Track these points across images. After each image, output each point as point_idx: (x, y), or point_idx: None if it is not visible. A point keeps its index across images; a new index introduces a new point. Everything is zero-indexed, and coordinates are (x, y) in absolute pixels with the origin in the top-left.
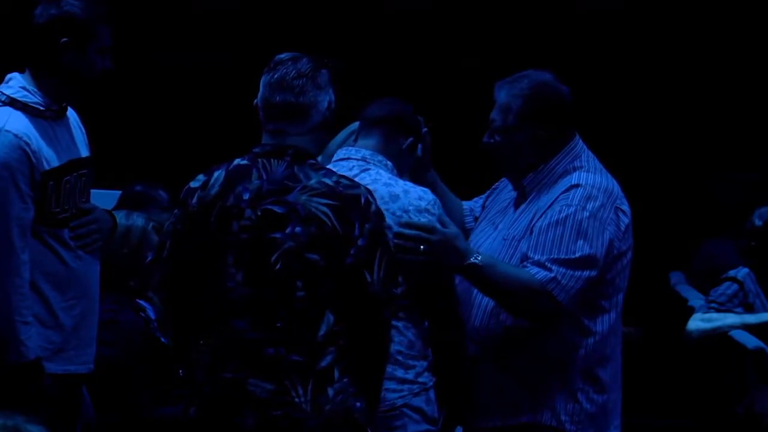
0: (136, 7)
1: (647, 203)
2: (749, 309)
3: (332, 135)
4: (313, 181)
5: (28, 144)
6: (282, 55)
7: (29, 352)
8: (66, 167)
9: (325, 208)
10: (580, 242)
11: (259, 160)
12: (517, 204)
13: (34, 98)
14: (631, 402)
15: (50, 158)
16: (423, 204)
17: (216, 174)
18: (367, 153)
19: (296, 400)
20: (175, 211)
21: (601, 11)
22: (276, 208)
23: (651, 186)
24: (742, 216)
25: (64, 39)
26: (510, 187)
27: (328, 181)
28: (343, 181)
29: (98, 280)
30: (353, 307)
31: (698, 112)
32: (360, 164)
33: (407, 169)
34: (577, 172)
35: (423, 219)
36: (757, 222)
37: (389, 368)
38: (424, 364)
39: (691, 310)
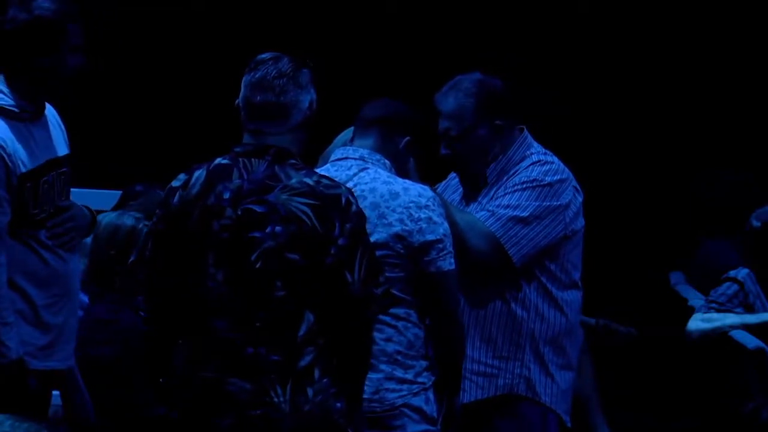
0: (139, 8)
1: (643, 203)
2: (749, 309)
3: (328, 135)
4: (293, 181)
5: (3, 148)
6: (263, 55)
7: (11, 352)
8: (44, 167)
9: (305, 208)
10: (528, 197)
11: (240, 159)
12: (474, 194)
13: (8, 100)
14: (631, 402)
15: (26, 160)
16: (423, 201)
17: (197, 173)
18: (365, 152)
19: (275, 400)
20: (157, 210)
21: (586, 14)
22: (256, 208)
23: (644, 185)
24: (732, 214)
25: (36, 42)
26: (452, 188)
27: (308, 180)
28: (323, 180)
29: (78, 276)
30: (333, 307)
31: (684, 110)
32: (358, 163)
33: (405, 167)
34: (535, 155)
35: (424, 215)
36: (755, 223)
37: (388, 368)
38: (424, 364)
39: (691, 310)
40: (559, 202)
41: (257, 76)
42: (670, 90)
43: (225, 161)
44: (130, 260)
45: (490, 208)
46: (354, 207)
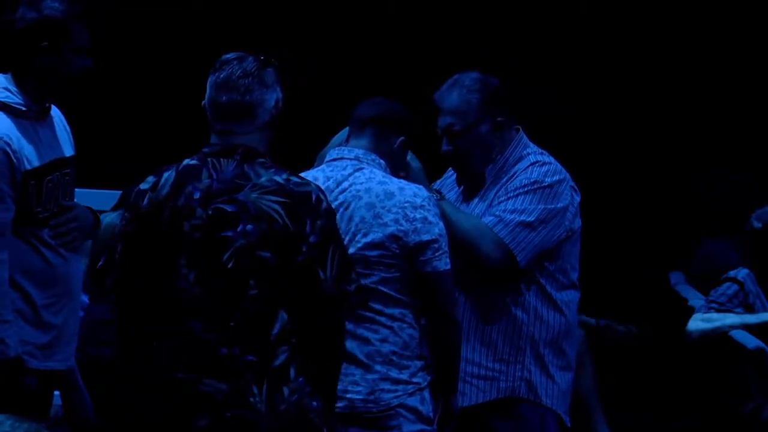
0: (139, 8)
1: (643, 203)
2: (749, 309)
3: (327, 135)
4: (263, 179)
5: (8, 144)
6: (227, 55)
7: (9, 350)
8: (48, 167)
9: (276, 206)
10: (532, 200)
11: (209, 159)
12: (471, 193)
13: (16, 99)
14: (632, 402)
15: (32, 158)
16: (418, 201)
17: (166, 175)
18: (359, 152)
19: (251, 400)
20: (125, 213)
21: (586, 14)
22: (227, 207)
23: (644, 185)
24: (732, 214)
25: (44, 43)
26: (448, 186)
27: (278, 179)
28: (293, 178)
29: (81, 277)
30: (307, 305)
31: (684, 110)
32: (353, 163)
33: (400, 167)
34: (532, 155)
35: (419, 215)
36: (756, 224)
37: (384, 369)
38: (419, 364)
39: (691, 310)
40: (561, 205)
41: (222, 76)
42: (670, 90)
43: (193, 162)
44: (99, 264)
45: (497, 213)
46: (324, 204)
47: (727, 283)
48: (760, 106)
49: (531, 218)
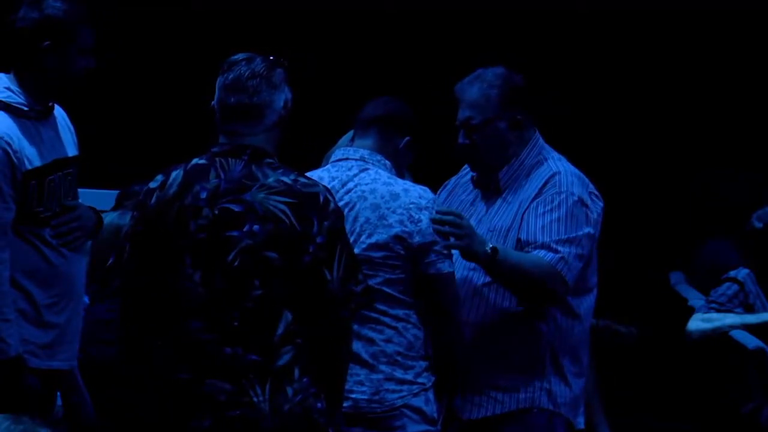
0: (139, 8)
1: (643, 203)
2: (749, 309)
3: (332, 136)
4: (270, 180)
5: (9, 144)
6: (236, 56)
7: (10, 350)
8: (50, 166)
9: (283, 206)
10: (577, 224)
11: (217, 159)
12: (487, 197)
13: (18, 98)
14: (631, 403)
15: (33, 158)
16: (423, 202)
17: (174, 174)
18: (365, 153)
19: (255, 399)
20: (134, 212)
21: (589, 12)
22: (233, 207)
23: (644, 185)
24: (732, 214)
25: (46, 42)
26: (463, 186)
27: (285, 179)
28: (301, 179)
29: (83, 277)
30: (312, 306)
31: (685, 109)
32: (359, 164)
33: (405, 167)
34: (548, 162)
35: (424, 216)
36: (757, 224)
37: (388, 369)
38: (423, 364)
39: (691, 310)
40: (596, 225)
41: (230, 77)
42: (670, 90)
43: (202, 161)
44: (108, 264)
45: (553, 246)
46: (332, 205)
47: (727, 283)
48: (760, 106)
49: (584, 251)
